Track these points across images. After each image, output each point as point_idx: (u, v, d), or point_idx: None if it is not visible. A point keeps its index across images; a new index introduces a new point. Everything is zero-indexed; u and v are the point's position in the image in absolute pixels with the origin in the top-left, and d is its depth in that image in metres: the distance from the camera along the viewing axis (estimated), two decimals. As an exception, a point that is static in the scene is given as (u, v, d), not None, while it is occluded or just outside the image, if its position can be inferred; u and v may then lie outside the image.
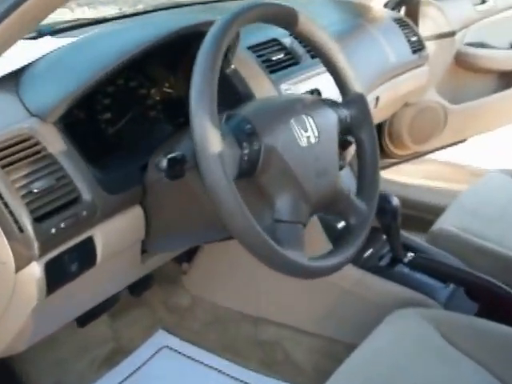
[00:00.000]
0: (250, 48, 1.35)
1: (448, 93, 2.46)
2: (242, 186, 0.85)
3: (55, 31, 1.36)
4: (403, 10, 2.28)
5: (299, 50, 1.46)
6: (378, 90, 1.81)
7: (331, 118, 1.03)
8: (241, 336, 1.62)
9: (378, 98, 1.83)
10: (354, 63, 1.62)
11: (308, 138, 0.96)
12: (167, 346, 1.64)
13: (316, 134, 0.98)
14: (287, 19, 1.01)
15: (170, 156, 0.90)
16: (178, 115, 1.28)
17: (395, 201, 1.38)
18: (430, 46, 2.27)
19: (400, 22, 2.02)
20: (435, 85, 2.43)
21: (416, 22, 2.22)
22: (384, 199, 1.36)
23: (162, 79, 1.30)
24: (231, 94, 1.27)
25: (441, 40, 2.36)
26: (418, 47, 2.03)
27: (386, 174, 2.45)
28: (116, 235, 1.03)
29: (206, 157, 0.81)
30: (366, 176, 1.09)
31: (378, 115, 1.99)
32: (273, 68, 1.35)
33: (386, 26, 1.97)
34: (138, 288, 1.57)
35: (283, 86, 1.34)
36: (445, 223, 1.55)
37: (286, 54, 1.41)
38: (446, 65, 2.44)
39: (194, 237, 1.12)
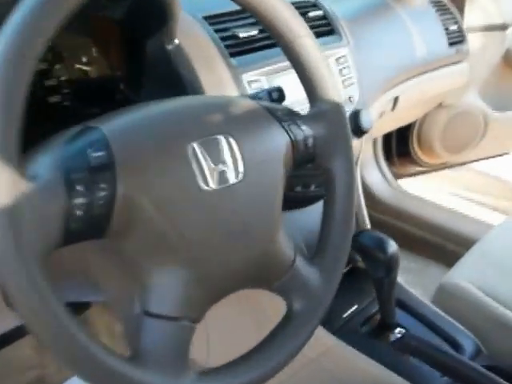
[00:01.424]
0: (206, 18, 0.96)
1: (492, 97, 2.06)
2: (94, 247, 0.52)
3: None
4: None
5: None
6: (397, 88, 1.42)
7: (275, 141, 0.67)
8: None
9: (396, 99, 1.43)
10: (368, 53, 1.25)
11: (221, 174, 0.58)
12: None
13: (240, 168, 0.62)
14: None
15: None
16: (93, 105, 0.92)
17: (392, 248, 1.00)
18: (475, 40, 1.88)
19: (438, 6, 1.61)
20: (477, 86, 2.00)
21: (461, 8, 1.81)
22: (378, 244, 0.99)
23: (75, 50, 0.93)
24: (171, 80, 0.91)
25: (489, 33, 1.95)
26: (457, 39, 1.62)
27: (410, 183, 2.17)
28: None
29: None
30: (330, 231, 0.72)
31: (396, 118, 1.60)
32: (237, 49, 0.97)
33: (418, 7, 1.56)
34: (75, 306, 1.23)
35: (247, 77, 0.96)
36: (459, 275, 1.17)
37: (261, 31, 1.02)
38: (493, 64, 2.03)
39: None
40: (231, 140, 0.62)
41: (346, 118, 0.76)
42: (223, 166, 0.60)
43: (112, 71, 0.99)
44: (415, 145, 2.16)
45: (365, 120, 1.12)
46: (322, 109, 0.74)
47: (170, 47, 0.92)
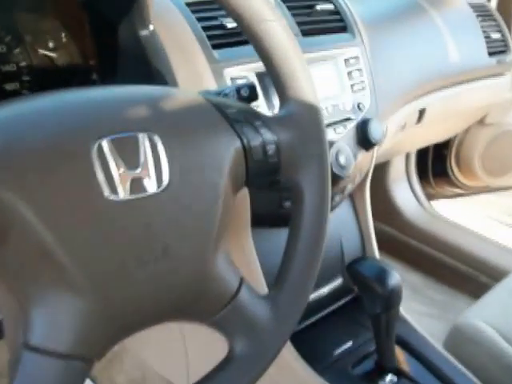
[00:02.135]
0: (189, 5, 0.85)
1: (541, 116, 1.84)
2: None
3: None
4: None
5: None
6: (424, 99, 1.27)
7: (219, 145, 0.54)
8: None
9: (423, 111, 1.28)
10: (388, 57, 1.11)
11: (137, 182, 0.47)
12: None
13: (165, 175, 0.50)
14: None
15: None
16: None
17: (394, 281, 0.87)
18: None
19: (480, 11, 1.44)
20: (524, 104, 1.82)
21: (509, 15, 1.64)
22: (377, 275, 0.86)
23: (40, 34, 0.84)
24: (146, 71, 0.81)
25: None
26: (498, 48, 1.45)
27: (445, 205, 2.02)
28: None
29: None
30: (291, 262, 0.59)
31: (426, 133, 1.44)
32: (222, 40, 0.85)
33: (456, 11, 1.40)
34: None
35: (230, 72, 0.83)
36: (477, 314, 1.02)
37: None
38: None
39: None
40: (156, 139, 0.50)
41: (321, 123, 0.63)
42: (141, 171, 0.48)
43: (84, 60, 0.88)
44: (453, 164, 1.98)
45: (374, 131, 0.98)
46: (291, 110, 0.62)
47: (143, 33, 0.81)
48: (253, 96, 0.70)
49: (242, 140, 0.56)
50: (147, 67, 0.82)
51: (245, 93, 0.69)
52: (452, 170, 1.99)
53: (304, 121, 0.62)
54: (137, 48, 0.83)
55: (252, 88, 0.69)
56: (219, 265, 0.53)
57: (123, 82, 0.85)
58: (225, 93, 0.69)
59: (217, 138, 0.54)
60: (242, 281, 0.55)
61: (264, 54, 0.61)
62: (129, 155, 0.48)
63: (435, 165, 2.01)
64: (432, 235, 1.83)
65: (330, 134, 0.95)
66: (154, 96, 0.54)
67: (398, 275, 0.91)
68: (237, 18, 0.60)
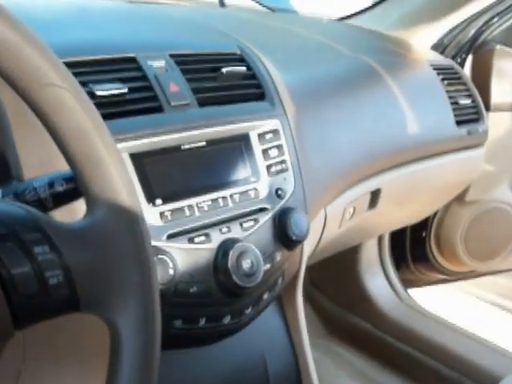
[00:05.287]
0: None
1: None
2: None
3: None
4: (469, 60, 1.52)
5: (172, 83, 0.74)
6: (377, 179, 1.05)
7: None
8: None
9: (377, 193, 1.06)
10: (324, 129, 0.91)
11: None
12: None
13: None
14: None
15: None
16: None
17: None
18: (505, 120, 1.49)
19: (446, 73, 1.25)
20: (508, 179, 1.62)
21: (487, 80, 1.46)
22: None
23: None
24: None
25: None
26: (468, 116, 1.24)
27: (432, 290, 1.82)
28: None
29: None
30: None
31: (392, 214, 1.23)
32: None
33: (416, 74, 1.21)
34: None
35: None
36: None
37: (134, 90, 0.69)
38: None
39: None
40: None
41: (141, 233, 0.41)
42: None
43: None
44: (433, 247, 1.75)
45: (296, 224, 0.76)
46: (96, 218, 0.40)
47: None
48: (71, 192, 0.48)
49: None
50: None
51: (60, 187, 0.48)
52: (432, 254, 1.76)
53: (114, 232, 0.40)
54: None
55: (70, 180, 0.48)
56: None
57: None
58: (33, 186, 0.48)
59: None
60: None
61: (53, 132, 0.40)
62: None
63: (414, 248, 1.78)
64: (410, 331, 1.58)
65: (235, 231, 0.73)
66: None
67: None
68: (9, 79, 0.40)
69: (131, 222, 0.41)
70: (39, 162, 0.63)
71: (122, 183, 0.41)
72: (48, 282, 0.38)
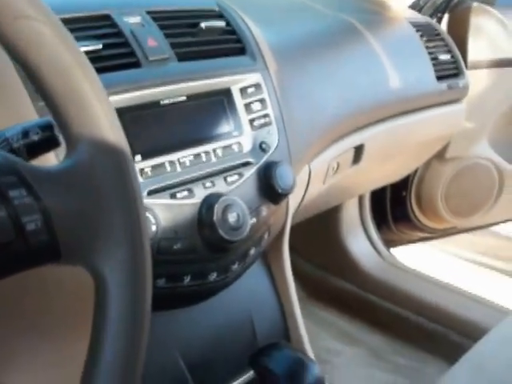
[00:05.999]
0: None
1: (506, 147, 1.66)
2: None
3: None
4: (445, 19, 1.51)
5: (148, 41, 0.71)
6: (361, 134, 1.05)
7: None
8: None
9: (360, 148, 1.06)
10: (307, 84, 0.89)
11: None
12: None
13: None
14: None
15: None
16: None
17: (312, 379, 0.64)
18: (483, 77, 1.50)
19: (424, 29, 1.24)
20: (488, 134, 1.62)
21: (464, 38, 1.45)
22: (290, 373, 0.63)
23: None
24: None
25: (498, 70, 1.55)
26: (448, 71, 1.24)
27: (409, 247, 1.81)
28: None
29: None
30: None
31: (372, 173, 1.22)
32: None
33: (396, 31, 1.19)
34: None
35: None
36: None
37: (110, 46, 0.67)
38: (505, 107, 1.62)
39: None
40: None
41: (129, 175, 0.40)
42: None
43: None
44: (414, 206, 1.76)
45: (282, 178, 0.75)
46: (79, 159, 0.39)
47: None
48: (49, 141, 0.46)
49: None
50: None
51: (35, 135, 0.46)
52: (413, 213, 1.77)
53: (99, 173, 0.39)
54: None
55: (46, 128, 0.46)
56: None
57: None
58: (5, 137, 0.46)
59: None
60: None
61: (29, 68, 0.38)
62: None
63: (394, 207, 1.78)
64: (393, 289, 1.60)
65: (219, 186, 0.71)
66: None
67: (317, 369, 0.67)
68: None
69: (118, 159, 0.39)
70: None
71: (106, 119, 0.39)
72: (25, 228, 0.36)
